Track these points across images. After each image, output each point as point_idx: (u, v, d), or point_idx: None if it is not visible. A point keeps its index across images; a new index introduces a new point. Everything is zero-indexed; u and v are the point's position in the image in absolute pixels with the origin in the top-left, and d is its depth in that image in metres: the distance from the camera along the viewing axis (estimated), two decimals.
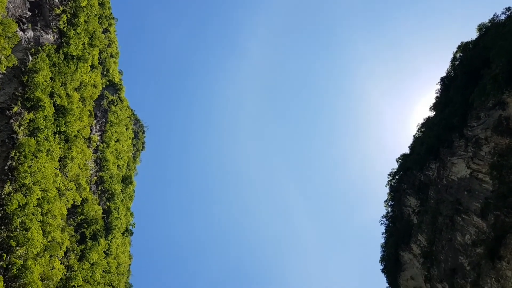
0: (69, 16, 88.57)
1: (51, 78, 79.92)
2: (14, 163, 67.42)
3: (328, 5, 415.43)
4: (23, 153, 68.38)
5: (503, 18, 71.37)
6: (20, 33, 73.16)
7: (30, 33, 76.34)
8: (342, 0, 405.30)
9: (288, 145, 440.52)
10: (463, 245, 61.83)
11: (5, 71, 68.03)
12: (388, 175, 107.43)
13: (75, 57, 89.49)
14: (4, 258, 63.42)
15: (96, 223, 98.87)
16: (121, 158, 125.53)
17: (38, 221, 71.40)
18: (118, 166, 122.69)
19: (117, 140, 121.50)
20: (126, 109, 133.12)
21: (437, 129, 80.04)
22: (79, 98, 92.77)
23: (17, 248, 65.34)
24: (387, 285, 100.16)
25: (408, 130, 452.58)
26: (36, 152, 71.64)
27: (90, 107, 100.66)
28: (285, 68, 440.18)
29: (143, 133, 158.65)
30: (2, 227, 64.50)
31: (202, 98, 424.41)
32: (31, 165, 70.48)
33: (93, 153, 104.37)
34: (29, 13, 77.33)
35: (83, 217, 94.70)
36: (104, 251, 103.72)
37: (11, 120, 68.31)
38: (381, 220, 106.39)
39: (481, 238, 56.34)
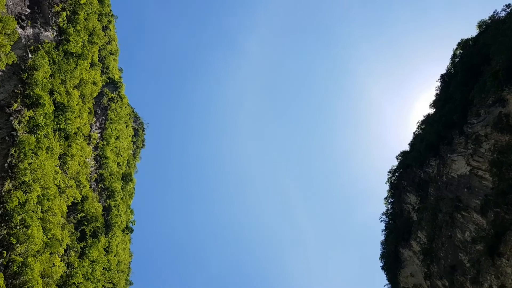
0: (68, 13, 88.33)
1: (50, 76, 79.82)
2: (14, 160, 67.40)
3: (328, 3, 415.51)
4: (23, 150, 68.34)
5: (503, 15, 71.31)
6: (20, 31, 73.01)
7: (29, 31, 76.18)
8: None
9: (288, 142, 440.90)
10: (463, 242, 61.85)
11: (4, 69, 67.92)
12: (388, 172, 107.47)
13: (74, 55, 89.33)
14: (5, 256, 63.49)
15: (96, 220, 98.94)
16: (121, 155, 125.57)
17: (38, 219, 71.43)
18: (118, 163, 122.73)
19: (117, 138, 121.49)
20: (126, 107, 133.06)
21: (437, 126, 79.98)
22: (79, 96, 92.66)
23: (18, 245, 65.38)
24: (387, 282, 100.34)
25: (408, 127, 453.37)
26: (36, 150, 71.61)
27: (90, 104, 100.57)
28: (285, 66, 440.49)
29: (143, 130, 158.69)
30: (2, 225, 64.53)
31: (202, 96, 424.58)
32: (31, 163, 70.45)
33: (93, 150, 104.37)
34: (29, 10, 77.14)
35: (83, 214, 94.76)
36: (104, 249, 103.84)
37: (11, 118, 68.25)
38: (381, 217, 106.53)
39: (481, 235, 56.31)
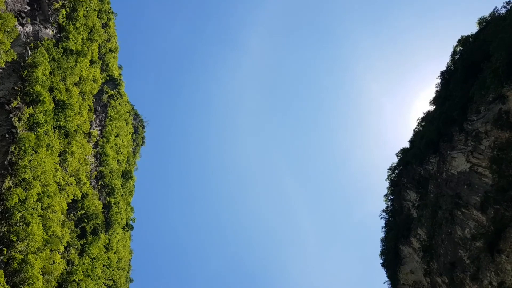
0: (68, 10, 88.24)
1: (50, 73, 79.78)
2: (14, 157, 67.42)
3: (328, 0, 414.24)
4: (23, 147, 68.37)
5: (503, 11, 71.05)
6: (19, 28, 72.92)
7: (29, 28, 76.08)
8: None
9: (288, 140, 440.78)
10: (463, 239, 61.84)
11: (4, 66, 67.86)
12: (388, 169, 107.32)
13: (74, 52, 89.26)
14: (5, 253, 63.58)
15: (97, 217, 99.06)
16: (121, 153, 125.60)
17: (38, 216, 71.53)
18: (118, 161, 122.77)
19: (117, 135, 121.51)
20: (125, 104, 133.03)
21: (437, 123, 79.83)
22: (79, 93, 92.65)
23: (18, 242, 65.47)
24: (387, 279, 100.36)
25: (408, 124, 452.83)
26: (36, 147, 71.63)
27: (89, 101, 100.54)
28: (285, 63, 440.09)
29: (143, 128, 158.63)
30: (3, 222, 64.60)
31: (202, 93, 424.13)
32: (31, 160, 70.49)
33: (93, 148, 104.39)
34: (28, 8, 77.03)
35: (84, 211, 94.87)
36: (104, 246, 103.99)
37: (11, 115, 68.24)
38: (381, 214, 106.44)
39: (480, 231, 56.30)
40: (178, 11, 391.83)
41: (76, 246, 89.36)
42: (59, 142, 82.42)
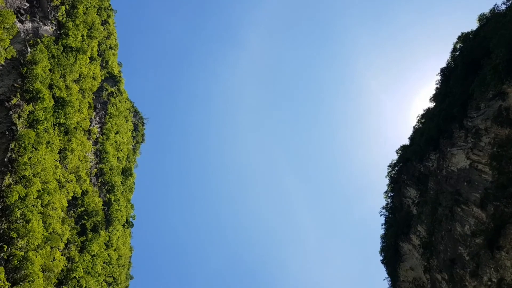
0: (67, 7, 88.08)
1: (50, 70, 79.71)
2: (14, 155, 67.44)
3: None
4: (23, 145, 68.38)
5: (503, 8, 70.95)
6: (19, 25, 72.81)
7: (28, 25, 75.97)
8: None
9: (288, 136, 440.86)
10: (463, 235, 61.92)
11: (3, 63, 67.81)
12: (388, 166, 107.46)
13: (74, 49, 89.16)
14: (5, 250, 63.67)
15: (97, 215, 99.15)
16: (121, 150, 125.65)
17: (38, 213, 71.59)
18: (118, 158, 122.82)
19: (117, 132, 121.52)
20: (125, 101, 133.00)
21: (437, 120, 79.84)
22: (79, 90, 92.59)
23: (18, 239, 65.55)
24: (387, 276, 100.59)
25: (408, 121, 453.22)
26: (35, 144, 71.64)
27: (89, 99, 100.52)
28: (284, 60, 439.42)
29: (143, 125, 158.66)
30: (3, 219, 64.67)
31: (202, 90, 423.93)
32: (31, 157, 70.49)
33: (93, 145, 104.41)
34: (27, 5, 76.87)
35: (84, 209, 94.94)
36: (104, 243, 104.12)
37: (11, 112, 68.23)
38: (381, 211, 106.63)
39: (480, 228, 56.36)
40: (178, 8, 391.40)
41: (76, 243, 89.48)
42: (59, 139, 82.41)
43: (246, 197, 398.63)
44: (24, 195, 67.53)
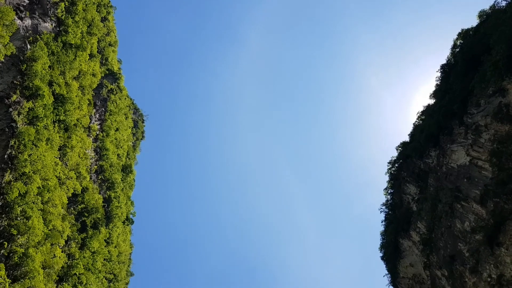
0: (67, 4, 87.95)
1: (49, 67, 79.63)
2: (14, 151, 67.44)
3: None
4: (23, 141, 68.37)
5: (503, 4, 70.77)
6: (18, 21, 72.68)
7: (28, 21, 75.83)
8: None
9: (288, 135, 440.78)
10: (462, 232, 61.96)
11: (3, 60, 67.71)
12: (388, 163, 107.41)
13: (73, 46, 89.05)
14: (6, 247, 63.76)
15: (97, 211, 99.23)
16: (121, 147, 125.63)
17: (38, 210, 71.65)
18: (118, 155, 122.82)
19: (117, 129, 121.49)
20: (125, 98, 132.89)
21: (437, 116, 79.76)
22: (78, 87, 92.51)
23: (18, 236, 65.64)
24: (387, 272, 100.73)
25: (408, 118, 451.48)
26: (35, 141, 71.64)
27: (89, 96, 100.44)
28: (284, 58, 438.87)
29: (143, 122, 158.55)
30: (3, 216, 64.73)
31: (202, 87, 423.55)
32: (31, 154, 70.50)
33: (92, 142, 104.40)
34: (27, 1, 76.73)
35: (84, 205, 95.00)
36: (105, 240, 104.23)
37: (10, 109, 68.19)
38: (381, 208, 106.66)
39: (480, 225, 56.38)
40: (178, 6, 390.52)
41: (76, 240, 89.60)
42: (59, 136, 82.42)
43: (245, 194, 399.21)
44: (24, 192, 67.58)
